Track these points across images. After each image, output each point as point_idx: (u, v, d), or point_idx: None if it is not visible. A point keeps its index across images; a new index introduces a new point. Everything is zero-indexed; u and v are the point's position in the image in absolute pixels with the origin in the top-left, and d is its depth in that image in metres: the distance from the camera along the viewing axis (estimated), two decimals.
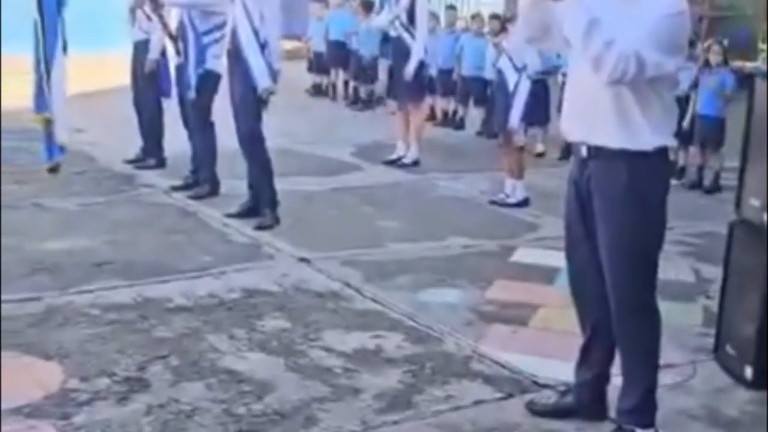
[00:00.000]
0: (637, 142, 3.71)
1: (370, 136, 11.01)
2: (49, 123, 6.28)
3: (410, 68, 9.39)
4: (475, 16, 12.90)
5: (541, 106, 9.81)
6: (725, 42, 9.58)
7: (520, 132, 8.82)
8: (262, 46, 6.87)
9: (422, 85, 9.83)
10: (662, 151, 3.77)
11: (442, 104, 12.62)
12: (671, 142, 3.83)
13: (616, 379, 4.07)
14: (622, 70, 3.52)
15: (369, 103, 13.88)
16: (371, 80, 13.88)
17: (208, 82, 7.63)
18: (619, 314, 3.87)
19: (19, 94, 6.66)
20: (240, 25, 6.88)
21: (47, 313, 5.18)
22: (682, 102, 8.91)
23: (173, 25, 7.90)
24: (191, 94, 7.66)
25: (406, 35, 9.41)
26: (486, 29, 12.21)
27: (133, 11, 8.71)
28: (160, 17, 7.87)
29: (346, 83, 14.62)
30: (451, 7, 13.61)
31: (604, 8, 3.62)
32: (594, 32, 3.53)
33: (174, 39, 7.81)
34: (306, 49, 15.43)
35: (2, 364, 4.39)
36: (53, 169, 6.50)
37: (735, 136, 7.69)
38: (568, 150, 9.84)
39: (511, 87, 8.12)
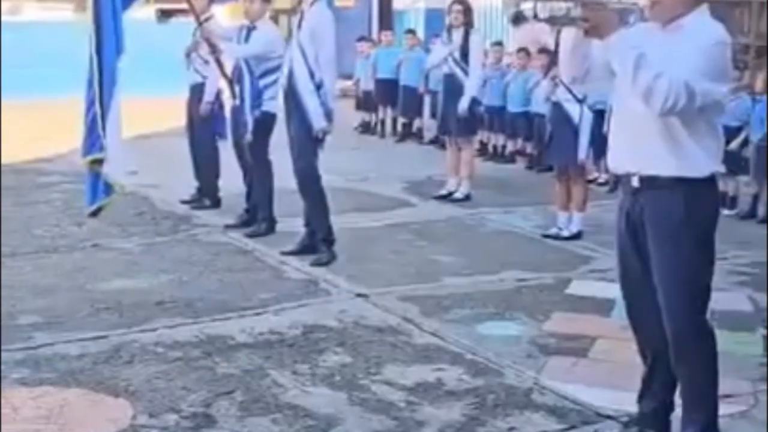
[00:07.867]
0: (691, 169, 3.77)
1: (420, 172, 11.06)
2: (96, 164, 6.39)
3: (464, 104, 9.44)
4: (520, 51, 12.90)
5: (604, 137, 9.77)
6: None
7: (589, 163, 8.74)
8: (318, 87, 6.98)
9: (474, 120, 9.92)
10: (714, 177, 3.86)
11: (491, 139, 12.66)
12: (721, 168, 3.91)
13: (680, 409, 4.08)
14: (673, 101, 3.59)
15: (417, 138, 14.01)
16: (417, 115, 14.04)
17: (265, 123, 7.78)
18: (676, 341, 3.90)
19: (74, 136, 6.79)
20: (296, 66, 7.02)
21: (114, 351, 5.30)
22: (737, 131, 8.96)
23: (229, 68, 8.07)
24: (248, 137, 7.77)
25: (459, 72, 9.49)
26: (536, 64, 12.22)
27: (188, 55, 8.91)
28: (217, 61, 8.01)
29: (394, 120, 14.76)
30: (498, 43, 13.68)
31: (648, 41, 3.74)
32: (642, 66, 3.61)
33: (230, 82, 7.96)
34: (355, 87, 15.59)
35: (73, 401, 4.56)
36: (95, 213, 6.63)
37: None
38: (617, 183, 9.86)
39: (576, 119, 8.10)
